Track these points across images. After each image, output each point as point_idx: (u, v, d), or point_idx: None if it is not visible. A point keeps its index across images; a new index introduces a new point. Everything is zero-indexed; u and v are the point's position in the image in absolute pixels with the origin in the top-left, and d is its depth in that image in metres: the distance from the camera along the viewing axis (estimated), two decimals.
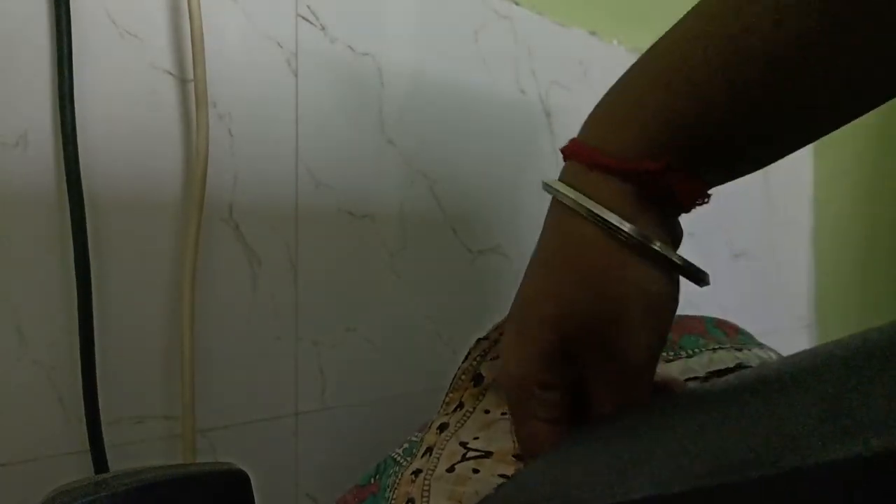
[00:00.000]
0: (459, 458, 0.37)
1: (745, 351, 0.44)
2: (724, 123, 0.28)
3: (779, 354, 0.47)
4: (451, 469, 0.37)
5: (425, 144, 0.65)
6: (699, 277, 0.30)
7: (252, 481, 0.34)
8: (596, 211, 0.28)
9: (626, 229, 0.28)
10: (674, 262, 0.29)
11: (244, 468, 0.34)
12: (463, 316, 0.68)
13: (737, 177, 0.31)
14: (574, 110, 0.80)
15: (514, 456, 0.36)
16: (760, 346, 0.46)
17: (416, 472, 0.38)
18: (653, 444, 0.22)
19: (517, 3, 0.74)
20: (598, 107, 0.31)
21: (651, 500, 0.18)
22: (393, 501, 0.38)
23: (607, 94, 0.32)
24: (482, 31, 0.70)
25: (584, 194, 0.29)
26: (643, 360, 0.30)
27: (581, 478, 0.23)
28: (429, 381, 0.66)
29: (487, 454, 0.37)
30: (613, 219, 0.28)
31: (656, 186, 0.29)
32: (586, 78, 0.82)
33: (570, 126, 0.79)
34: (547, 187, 0.31)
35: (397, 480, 0.39)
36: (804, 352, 0.23)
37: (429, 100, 0.66)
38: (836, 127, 0.30)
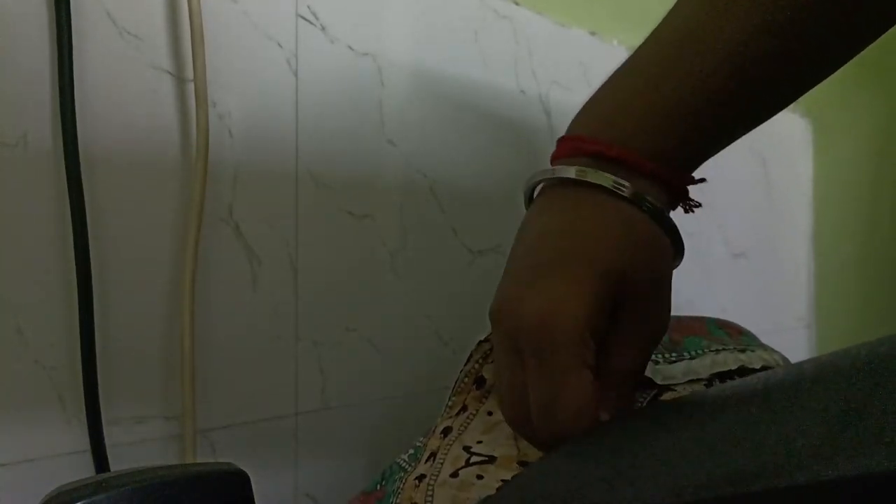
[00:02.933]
0: (463, 463, 0.37)
1: (749, 352, 0.44)
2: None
3: (782, 355, 0.46)
4: (454, 474, 0.37)
5: (425, 144, 0.65)
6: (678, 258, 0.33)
7: (252, 481, 0.34)
8: (628, 185, 0.30)
9: (652, 200, 0.30)
10: (680, 240, 0.31)
11: (244, 468, 0.34)
12: (463, 316, 0.68)
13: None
14: (574, 110, 0.80)
15: (518, 462, 0.36)
16: (764, 347, 0.46)
17: (420, 478, 0.38)
18: (653, 452, 0.21)
19: (517, 3, 0.74)
20: (602, 102, 0.33)
21: None
22: None
23: (605, 91, 0.34)
24: (482, 31, 0.70)
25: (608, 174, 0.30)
26: (667, 323, 0.31)
27: (574, 488, 0.22)
28: (429, 381, 0.66)
29: (491, 459, 0.37)
30: (641, 194, 0.30)
31: (671, 186, 0.31)
32: (586, 78, 0.82)
33: None
34: (580, 171, 0.31)
35: (401, 486, 0.39)
36: (806, 362, 0.23)
37: (429, 100, 0.66)
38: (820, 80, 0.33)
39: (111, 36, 0.46)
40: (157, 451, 0.48)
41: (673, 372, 0.41)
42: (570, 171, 0.31)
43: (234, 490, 0.33)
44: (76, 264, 0.44)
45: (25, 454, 0.43)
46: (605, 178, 0.30)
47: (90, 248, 0.44)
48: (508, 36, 0.73)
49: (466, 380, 0.43)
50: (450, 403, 0.43)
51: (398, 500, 0.39)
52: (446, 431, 0.41)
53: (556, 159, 0.33)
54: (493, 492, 0.34)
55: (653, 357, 0.42)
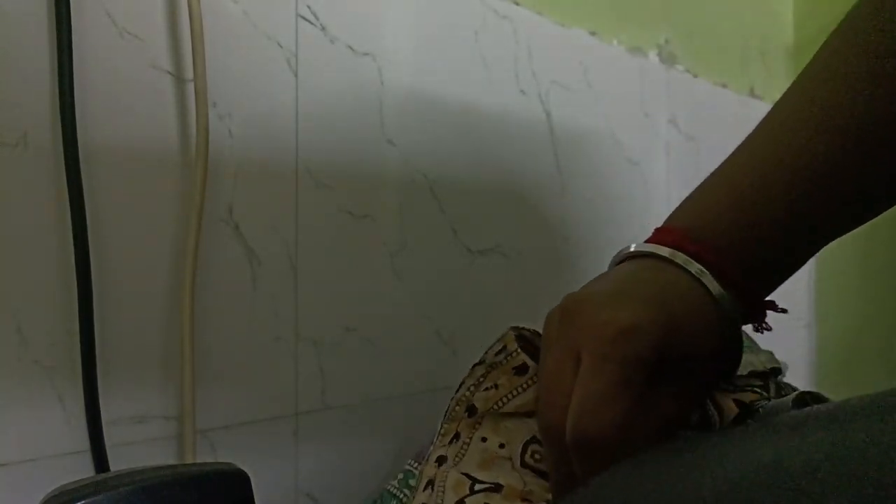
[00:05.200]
0: (468, 490, 0.36)
1: None
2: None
3: (770, 355, 0.46)
4: (460, 502, 0.36)
5: (425, 144, 0.65)
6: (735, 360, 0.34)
7: (252, 481, 0.34)
8: (717, 286, 0.32)
9: (731, 307, 0.32)
10: (737, 356, 0.34)
11: (244, 468, 0.34)
12: (463, 316, 0.68)
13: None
14: (574, 110, 0.80)
15: (522, 500, 0.36)
16: (751, 349, 0.46)
17: None
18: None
19: (517, 3, 0.74)
20: (705, 197, 0.35)
21: None
22: None
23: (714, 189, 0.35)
24: (482, 31, 0.70)
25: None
26: (688, 406, 0.33)
27: None
28: (429, 381, 0.66)
29: (497, 487, 0.36)
30: (716, 290, 0.32)
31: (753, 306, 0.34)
32: (586, 78, 0.82)
33: (571, 126, 0.79)
34: (673, 254, 0.33)
35: None
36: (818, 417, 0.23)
37: (429, 100, 0.66)
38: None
39: (111, 36, 0.46)
40: (157, 451, 0.48)
41: None
42: (665, 251, 0.33)
43: (234, 490, 0.34)
44: (76, 264, 0.44)
45: (25, 454, 0.43)
46: (695, 267, 0.32)
47: (90, 247, 0.44)
48: (508, 36, 0.73)
49: (458, 408, 0.41)
50: (442, 431, 0.42)
51: None
52: (441, 460, 0.40)
53: (652, 243, 0.35)
54: None
55: None
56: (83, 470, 0.45)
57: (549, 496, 0.36)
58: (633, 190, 0.88)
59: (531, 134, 0.75)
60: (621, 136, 0.86)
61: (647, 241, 0.35)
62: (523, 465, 0.38)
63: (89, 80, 0.45)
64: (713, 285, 0.31)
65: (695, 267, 0.32)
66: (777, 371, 0.45)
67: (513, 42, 0.73)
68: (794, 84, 0.34)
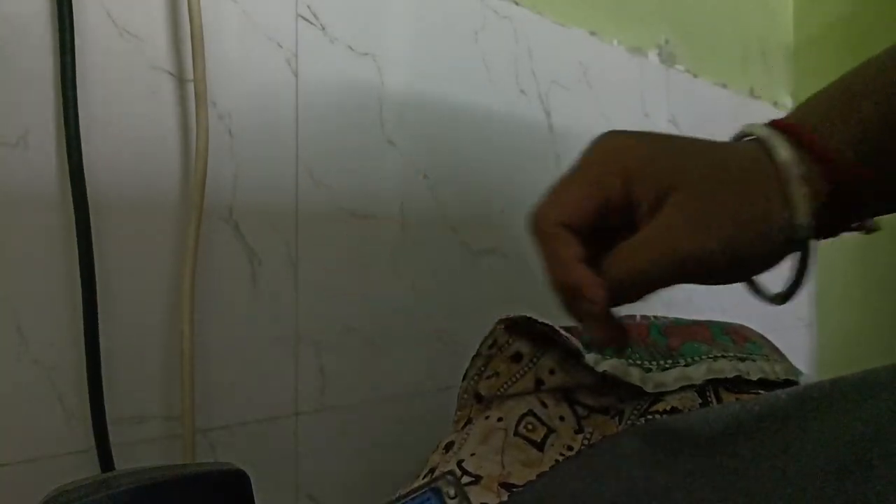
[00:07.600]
0: None
1: (749, 362, 0.44)
2: None
3: (786, 367, 0.46)
4: None
5: (425, 144, 0.65)
6: (784, 294, 0.32)
7: (252, 481, 0.34)
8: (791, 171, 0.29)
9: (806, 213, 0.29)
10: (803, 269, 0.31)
11: (244, 468, 0.35)
12: (463, 316, 0.68)
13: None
14: (574, 110, 0.80)
15: (500, 484, 0.37)
16: (766, 357, 0.46)
17: None
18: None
19: (517, 3, 0.74)
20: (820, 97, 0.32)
21: None
22: None
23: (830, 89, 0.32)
24: (482, 31, 0.70)
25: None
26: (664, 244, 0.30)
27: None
28: (429, 381, 0.66)
29: (477, 479, 0.37)
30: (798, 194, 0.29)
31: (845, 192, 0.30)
32: (586, 78, 0.82)
33: (570, 126, 0.79)
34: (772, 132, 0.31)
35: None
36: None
37: (429, 100, 0.66)
38: None
39: (111, 36, 0.46)
40: (157, 451, 0.48)
41: (664, 379, 0.41)
42: (783, 145, 0.30)
43: (234, 490, 0.34)
44: (80, 264, 0.44)
45: (25, 454, 0.43)
46: (789, 156, 0.30)
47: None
48: (508, 36, 0.73)
49: (465, 396, 0.44)
50: (456, 418, 0.44)
51: None
52: (449, 446, 0.42)
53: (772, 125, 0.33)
54: None
55: (645, 364, 0.42)
56: (83, 470, 0.45)
57: (528, 469, 0.37)
58: None
59: (531, 134, 0.75)
60: None
61: (788, 126, 0.33)
62: (516, 433, 0.40)
63: (89, 80, 0.45)
64: (781, 155, 0.29)
65: (789, 156, 0.30)
66: (791, 383, 0.45)
67: (513, 42, 0.73)
68: None
